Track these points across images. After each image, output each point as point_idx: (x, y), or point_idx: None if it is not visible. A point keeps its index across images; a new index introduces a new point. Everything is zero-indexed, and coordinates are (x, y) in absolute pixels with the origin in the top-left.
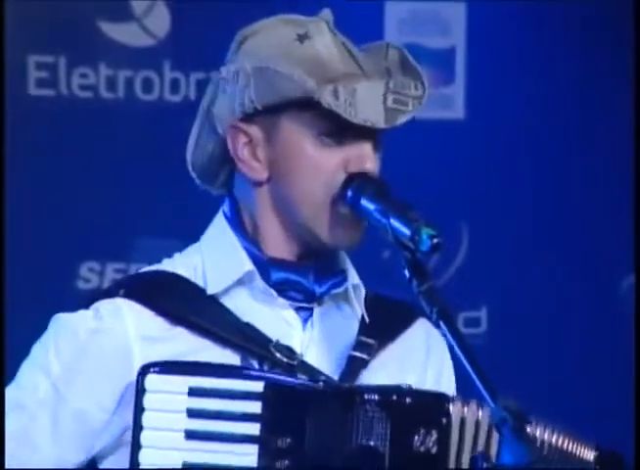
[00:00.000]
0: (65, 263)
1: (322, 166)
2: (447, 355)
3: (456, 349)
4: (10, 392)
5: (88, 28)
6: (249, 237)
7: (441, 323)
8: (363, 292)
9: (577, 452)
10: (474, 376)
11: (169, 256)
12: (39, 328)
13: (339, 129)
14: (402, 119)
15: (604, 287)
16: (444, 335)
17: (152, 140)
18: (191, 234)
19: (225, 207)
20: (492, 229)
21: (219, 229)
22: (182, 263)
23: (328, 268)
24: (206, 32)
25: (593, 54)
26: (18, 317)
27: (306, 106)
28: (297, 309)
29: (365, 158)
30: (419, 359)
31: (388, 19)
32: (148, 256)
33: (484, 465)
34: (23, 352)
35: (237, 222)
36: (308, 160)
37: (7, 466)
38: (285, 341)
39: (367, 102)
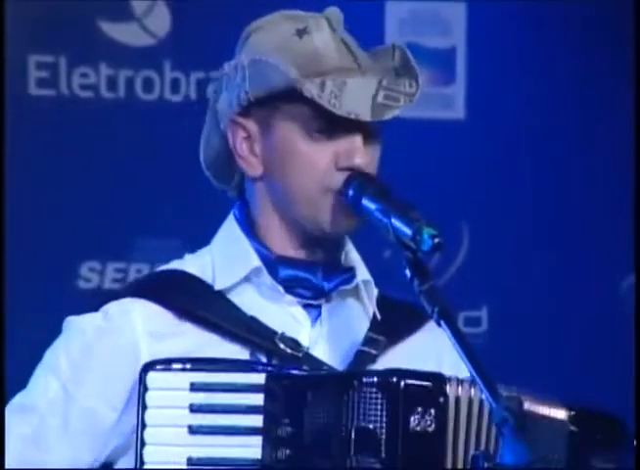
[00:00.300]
0: (65, 263)
1: (314, 162)
2: None
3: (457, 348)
4: (22, 395)
5: (88, 28)
6: (258, 238)
7: (442, 323)
8: (375, 289)
9: (551, 414)
10: (475, 375)
11: (169, 255)
12: (39, 328)
13: (328, 124)
14: (389, 115)
15: (604, 287)
16: None
17: (152, 140)
18: (191, 234)
19: (236, 209)
20: (492, 229)
21: (229, 231)
22: (192, 263)
23: (337, 265)
24: (207, 32)
25: (593, 54)
26: (18, 317)
27: (296, 100)
28: (306, 306)
29: (355, 152)
30: (431, 361)
31: (389, 19)
32: (148, 255)
33: (485, 465)
34: (24, 352)
35: (246, 224)
36: (301, 156)
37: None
38: (293, 336)
39: (355, 95)
